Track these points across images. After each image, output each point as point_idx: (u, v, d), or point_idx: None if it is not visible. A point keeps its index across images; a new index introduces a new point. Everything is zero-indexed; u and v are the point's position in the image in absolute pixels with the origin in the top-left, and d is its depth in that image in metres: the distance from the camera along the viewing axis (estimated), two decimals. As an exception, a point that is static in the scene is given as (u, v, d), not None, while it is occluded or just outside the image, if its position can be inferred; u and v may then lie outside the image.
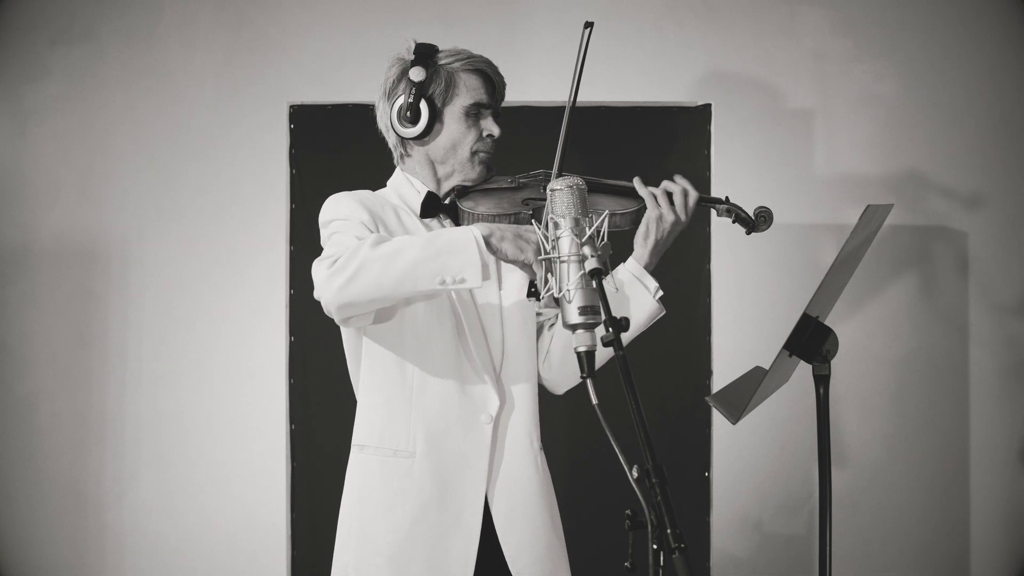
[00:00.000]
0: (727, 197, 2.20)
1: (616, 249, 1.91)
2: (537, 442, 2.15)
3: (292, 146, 3.17)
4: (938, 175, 3.56)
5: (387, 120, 2.16)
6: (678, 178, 2.14)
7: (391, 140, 2.20)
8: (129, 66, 3.52)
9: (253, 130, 3.47)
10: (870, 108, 3.56)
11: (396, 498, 2.07)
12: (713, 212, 2.22)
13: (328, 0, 3.54)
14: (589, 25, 2.16)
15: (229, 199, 3.49)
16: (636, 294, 2.10)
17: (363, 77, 3.44)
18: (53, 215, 3.51)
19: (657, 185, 2.14)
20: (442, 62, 2.12)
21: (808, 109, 3.55)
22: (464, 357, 2.09)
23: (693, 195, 2.11)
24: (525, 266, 1.93)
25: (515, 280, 2.16)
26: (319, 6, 3.54)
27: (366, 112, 3.16)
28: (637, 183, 2.13)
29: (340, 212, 2.07)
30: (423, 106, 2.10)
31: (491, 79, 2.15)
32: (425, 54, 2.12)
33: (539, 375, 2.22)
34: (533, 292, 1.89)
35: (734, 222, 2.20)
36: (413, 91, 2.10)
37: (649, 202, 2.10)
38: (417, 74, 2.09)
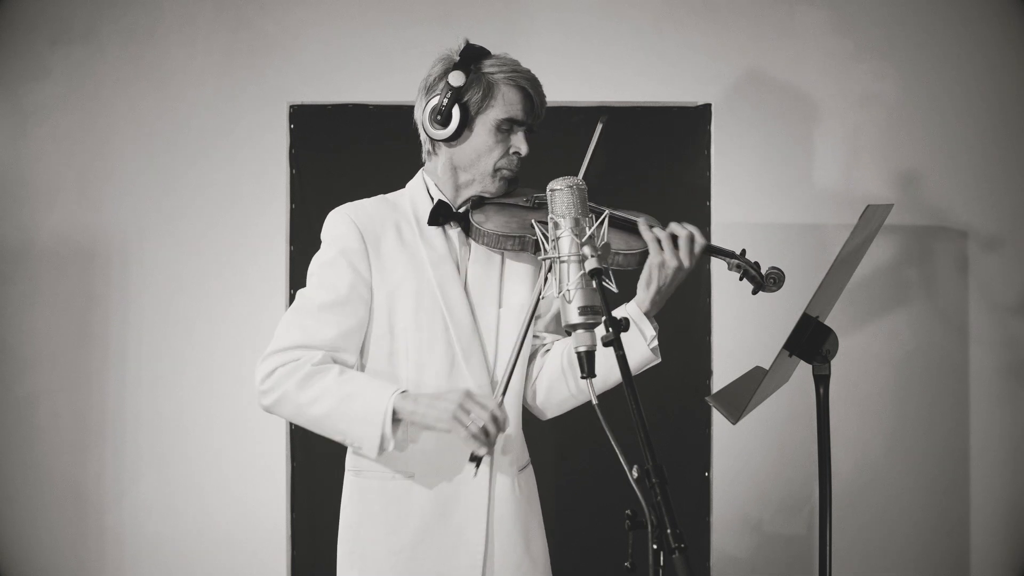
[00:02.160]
0: (743, 251, 2.11)
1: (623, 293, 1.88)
2: (518, 463, 2.14)
3: (292, 146, 3.17)
4: (938, 175, 3.56)
5: (420, 116, 2.13)
6: (686, 224, 2.05)
7: (422, 135, 2.16)
8: (129, 66, 3.52)
9: (253, 130, 3.47)
10: (870, 108, 3.56)
11: (399, 519, 2.07)
12: (724, 264, 2.12)
13: (328, 0, 3.54)
14: (603, 118, 2.18)
15: (229, 199, 3.50)
16: (630, 339, 2.03)
17: (363, 77, 3.46)
18: (53, 215, 3.51)
19: (665, 225, 2.06)
20: (485, 69, 2.07)
21: (808, 109, 3.55)
22: (461, 376, 2.07)
23: (700, 242, 2.03)
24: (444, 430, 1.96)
25: (515, 300, 2.14)
26: (319, 6, 3.54)
27: (366, 112, 3.18)
28: (642, 226, 2.05)
29: (333, 236, 2.08)
30: (455, 111, 2.06)
31: (531, 96, 2.10)
32: (471, 57, 2.08)
33: (525, 399, 2.19)
34: (472, 459, 1.96)
35: (742, 279, 2.12)
36: (450, 94, 2.06)
37: (652, 247, 2.01)
38: (456, 78, 2.05)
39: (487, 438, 1.92)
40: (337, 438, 2.02)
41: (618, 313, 2.03)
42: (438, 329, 2.07)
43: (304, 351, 2.00)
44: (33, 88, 3.51)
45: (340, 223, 2.08)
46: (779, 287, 2.10)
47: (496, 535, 2.09)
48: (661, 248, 2.01)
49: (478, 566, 2.07)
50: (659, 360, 2.08)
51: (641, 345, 2.05)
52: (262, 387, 2.02)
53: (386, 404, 1.95)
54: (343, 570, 2.13)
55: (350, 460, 2.14)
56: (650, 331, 2.05)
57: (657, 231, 2.03)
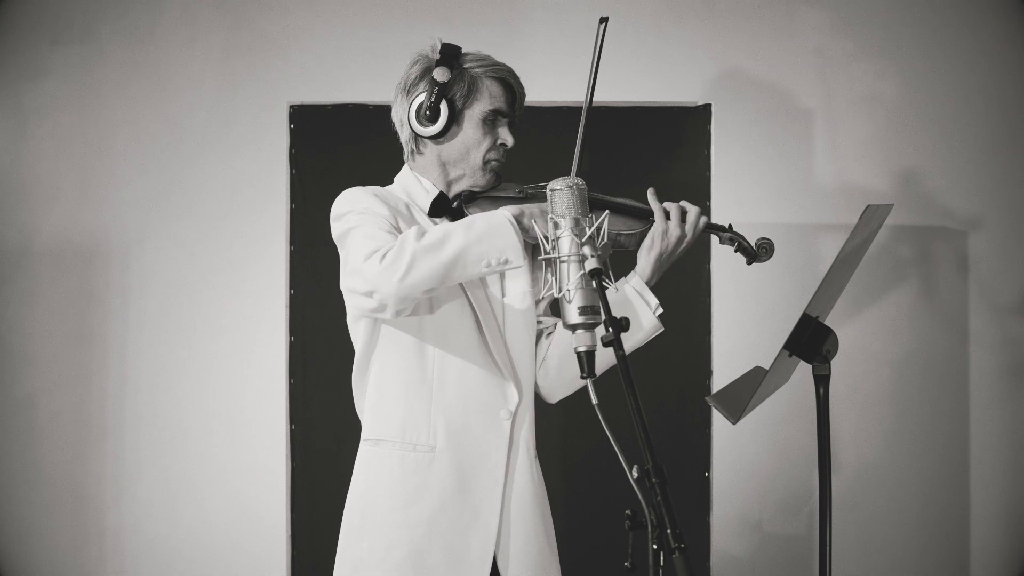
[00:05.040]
0: (730, 225, 2.21)
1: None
2: (533, 448, 2.16)
3: (292, 146, 3.17)
4: (938, 175, 3.56)
5: (404, 116, 2.15)
6: (686, 203, 2.16)
7: (404, 136, 2.18)
8: (129, 66, 3.52)
9: (253, 130, 3.47)
10: (870, 108, 3.56)
11: (417, 492, 2.07)
12: (715, 239, 2.23)
13: (328, 0, 3.54)
14: (604, 20, 2.18)
15: (229, 199, 3.50)
16: (636, 309, 2.10)
17: (363, 77, 3.46)
18: (53, 215, 3.51)
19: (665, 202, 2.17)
20: (466, 65, 2.12)
21: (808, 109, 3.56)
22: (485, 352, 2.09)
23: (704, 219, 2.12)
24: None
25: (518, 286, 2.16)
26: (319, 6, 3.54)
27: (366, 112, 3.18)
28: (651, 194, 2.14)
29: (357, 206, 2.06)
30: (443, 106, 2.09)
31: (512, 89, 2.15)
32: (450, 55, 2.11)
33: (535, 382, 2.21)
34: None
35: (736, 251, 2.21)
36: (436, 90, 2.09)
37: (658, 214, 2.10)
38: (441, 74, 2.08)
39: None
40: (480, 266, 1.92)
41: (622, 283, 2.10)
42: (464, 311, 2.08)
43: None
44: (33, 88, 3.51)
45: (363, 197, 2.07)
46: (771, 256, 2.20)
47: (515, 516, 2.10)
48: (667, 218, 2.10)
49: (491, 545, 2.07)
50: (663, 329, 2.13)
51: (647, 313, 2.10)
52: (383, 265, 1.90)
53: (505, 214, 1.95)
54: (350, 539, 2.11)
55: (369, 431, 2.13)
56: (653, 299, 2.11)
57: (666, 203, 2.12)
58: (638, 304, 2.10)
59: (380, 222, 2.02)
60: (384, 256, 1.91)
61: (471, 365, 2.09)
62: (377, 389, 2.13)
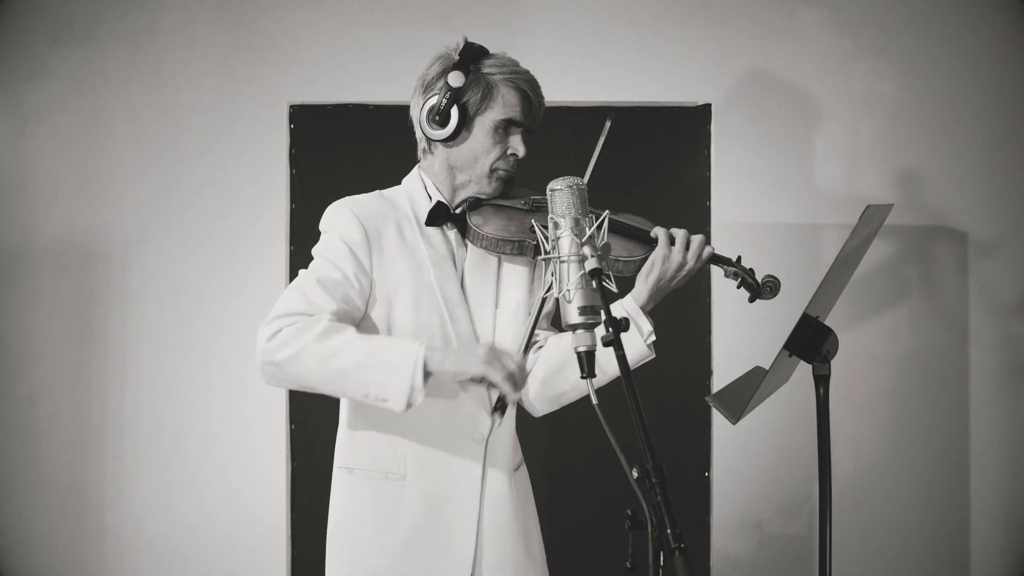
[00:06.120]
0: (739, 258, 2.13)
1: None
2: (512, 463, 2.14)
3: (292, 146, 3.17)
4: (938, 175, 3.56)
5: (417, 114, 2.12)
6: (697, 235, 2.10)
7: (418, 133, 2.15)
8: (129, 66, 3.52)
9: (253, 130, 3.47)
10: (870, 108, 3.56)
11: (390, 520, 2.07)
12: (720, 271, 2.15)
13: (328, 0, 3.54)
14: (610, 116, 2.14)
15: (229, 199, 3.50)
16: (626, 335, 1.97)
17: (363, 77, 3.46)
18: (53, 215, 3.51)
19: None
20: (485, 70, 2.06)
21: (808, 109, 3.55)
22: (455, 384, 2.05)
23: (708, 249, 2.06)
24: (472, 380, 1.88)
25: (512, 300, 2.13)
26: (319, 6, 3.54)
27: (366, 112, 3.18)
28: (658, 229, 2.08)
29: (335, 227, 2.05)
30: (454, 112, 2.05)
31: (530, 98, 2.09)
32: (470, 58, 2.06)
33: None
34: (498, 407, 1.91)
35: (739, 287, 2.13)
36: (448, 95, 2.05)
37: (661, 240, 2.05)
38: (455, 79, 2.04)
39: (515, 385, 1.87)
40: (358, 392, 1.90)
41: (614, 308, 2.03)
42: (436, 329, 2.06)
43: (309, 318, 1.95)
44: (33, 88, 3.52)
45: (343, 215, 2.06)
46: (775, 294, 2.12)
47: (490, 537, 2.09)
48: (670, 244, 2.04)
49: (467, 568, 2.07)
50: (653, 356, 2.07)
51: (637, 341, 2.04)
52: (270, 345, 1.90)
53: (417, 352, 1.86)
54: (332, 568, 2.12)
55: (341, 458, 2.13)
56: (647, 326, 2.05)
57: (672, 229, 2.07)
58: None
59: (331, 268, 2.00)
60: (278, 334, 1.90)
61: (439, 390, 2.04)
62: (349, 415, 2.12)
